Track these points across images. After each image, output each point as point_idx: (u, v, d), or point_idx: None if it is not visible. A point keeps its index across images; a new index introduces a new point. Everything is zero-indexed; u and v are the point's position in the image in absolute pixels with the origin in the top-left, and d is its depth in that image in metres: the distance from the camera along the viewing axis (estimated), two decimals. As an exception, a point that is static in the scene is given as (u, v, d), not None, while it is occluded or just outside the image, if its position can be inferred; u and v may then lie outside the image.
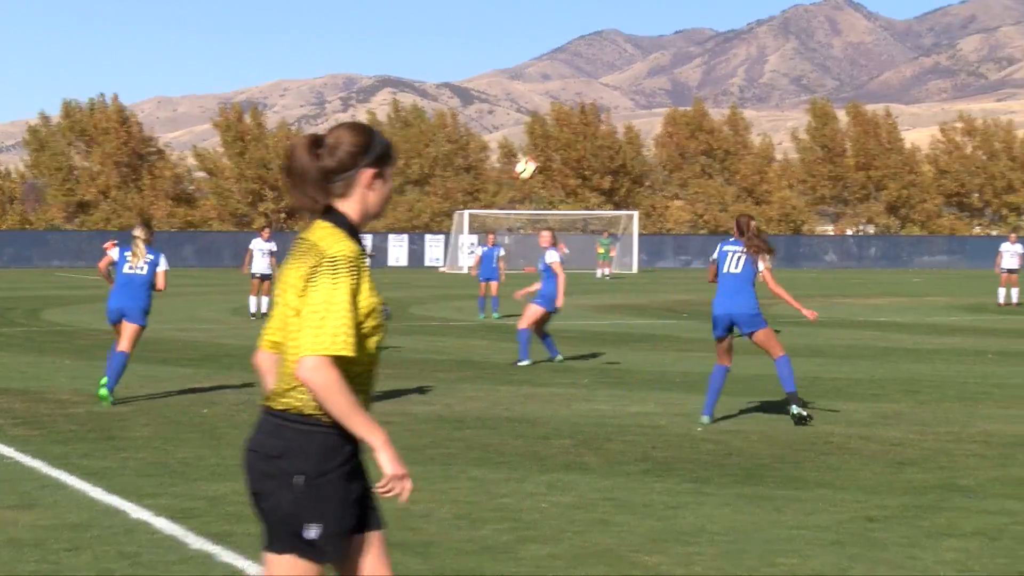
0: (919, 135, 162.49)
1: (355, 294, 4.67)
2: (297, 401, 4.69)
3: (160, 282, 16.87)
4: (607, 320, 33.78)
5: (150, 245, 16.94)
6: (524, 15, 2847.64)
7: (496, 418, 15.13)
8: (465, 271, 72.36)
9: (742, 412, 15.63)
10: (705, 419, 14.81)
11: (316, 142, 4.84)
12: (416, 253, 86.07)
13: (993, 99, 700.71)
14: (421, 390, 17.85)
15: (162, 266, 16.86)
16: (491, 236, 35.46)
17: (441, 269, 78.67)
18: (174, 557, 8.39)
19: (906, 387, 18.60)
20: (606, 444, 13.25)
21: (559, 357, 22.07)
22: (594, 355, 23.38)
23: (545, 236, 22.49)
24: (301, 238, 4.84)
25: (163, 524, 9.29)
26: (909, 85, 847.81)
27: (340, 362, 4.62)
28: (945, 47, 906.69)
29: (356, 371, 4.71)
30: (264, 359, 4.98)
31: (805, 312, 15.43)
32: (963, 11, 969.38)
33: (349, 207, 4.84)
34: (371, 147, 4.86)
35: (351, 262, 4.67)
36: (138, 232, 16.94)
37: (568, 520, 9.59)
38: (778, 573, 8.20)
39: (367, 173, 4.85)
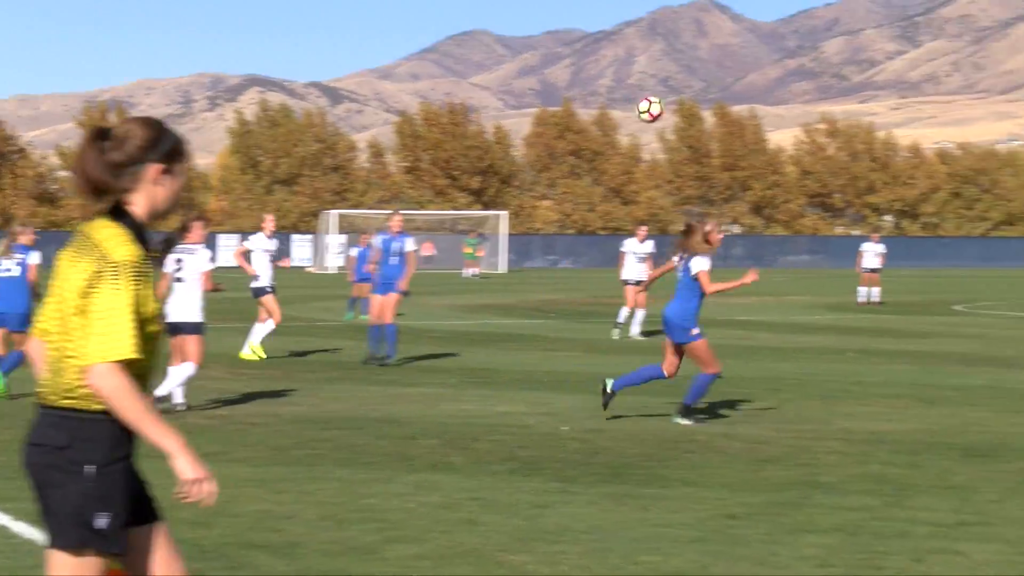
0: (783, 136, 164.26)
1: (138, 299, 4.65)
2: (80, 403, 4.65)
3: (31, 275, 16.63)
4: (474, 320, 33.83)
5: (26, 246, 16.72)
6: (393, 15, 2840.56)
7: (362, 418, 15.09)
8: (333, 271, 72.05)
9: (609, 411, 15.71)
10: (608, 382, 14.95)
11: (103, 135, 4.78)
12: (283, 253, 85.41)
13: (855, 101, 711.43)
14: (287, 391, 17.74)
15: (33, 259, 16.62)
16: (364, 237, 35.28)
17: (308, 269, 78.16)
18: (32, 562, 8.26)
19: (769, 385, 18.85)
20: (473, 444, 13.27)
21: (387, 358, 21.69)
22: (461, 355, 23.40)
23: (397, 220, 22.33)
24: (83, 232, 4.76)
25: (21, 528, 9.15)
26: (773, 87, 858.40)
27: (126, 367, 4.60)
28: (809, 49, 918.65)
29: (134, 376, 4.65)
30: (36, 346, 4.91)
31: (746, 280, 15.51)
32: (827, 14, 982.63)
33: (136, 202, 4.79)
34: (160, 142, 4.81)
35: (134, 267, 4.65)
36: (10, 233, 16.79)
37: (434, 520, 9.59)
38: (641, 571, 8.28)
39: (154, 168, 4.80)
